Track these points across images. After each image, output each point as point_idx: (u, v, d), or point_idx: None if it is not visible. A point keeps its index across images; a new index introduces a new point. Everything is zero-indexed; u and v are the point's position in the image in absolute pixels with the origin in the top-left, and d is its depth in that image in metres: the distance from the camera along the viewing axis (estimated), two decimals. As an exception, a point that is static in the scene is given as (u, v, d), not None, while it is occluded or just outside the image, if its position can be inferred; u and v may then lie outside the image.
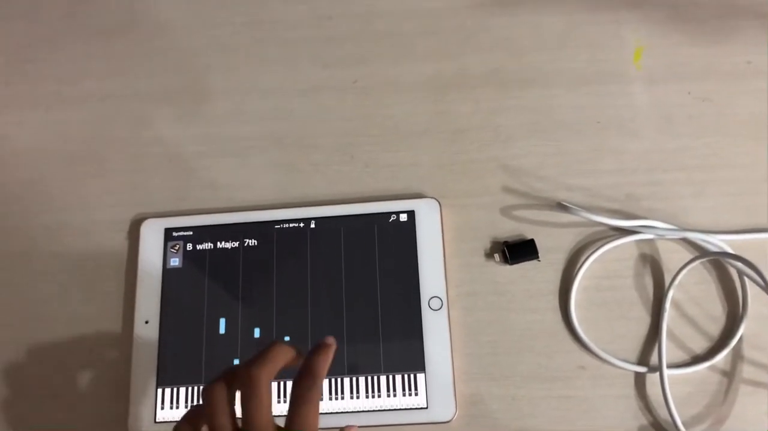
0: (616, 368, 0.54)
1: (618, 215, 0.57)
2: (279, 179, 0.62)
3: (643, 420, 0.53)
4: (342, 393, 0.55)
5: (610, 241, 0.56)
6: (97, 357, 0.57)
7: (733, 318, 0.54)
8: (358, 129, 0.63)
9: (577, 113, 0.61)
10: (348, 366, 0.55)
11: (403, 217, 0.59)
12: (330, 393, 0.55)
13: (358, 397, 0.55)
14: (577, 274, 0.56)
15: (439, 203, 0.59)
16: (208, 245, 0.60)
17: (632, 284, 0.56)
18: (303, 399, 0.40)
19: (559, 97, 0.61)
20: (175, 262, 0.60)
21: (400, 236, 0.59)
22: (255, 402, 0.39)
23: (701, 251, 0.56)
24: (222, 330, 0.57)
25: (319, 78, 0.64)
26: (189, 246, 0.60)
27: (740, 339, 0.54)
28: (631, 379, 0.54)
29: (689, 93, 0.61)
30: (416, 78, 0.64)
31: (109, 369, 0.57)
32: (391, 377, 0.55)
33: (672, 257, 0.56)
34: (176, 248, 0.60)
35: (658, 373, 0.52)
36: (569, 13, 0.64)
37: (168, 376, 0.56)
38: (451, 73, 0.63)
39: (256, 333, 0.57)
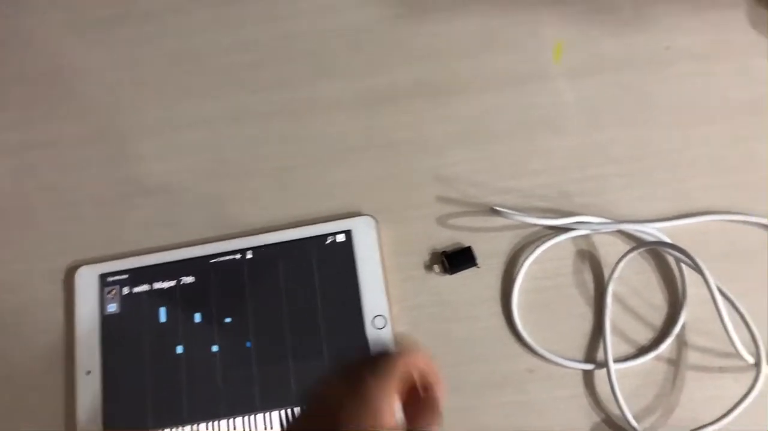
0: (564, 368, 0.54)
1: (553, 214, 0.57)
2: (212, 211, 0.61)
3: (596, 418, 0.53)
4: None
5: (547, 240, 0.56)
6: (40, 413, 0.56)
7: (675, 306, 0.54)
8: (290, 152, 0.62)
9: (505, 116, 0.61)
10: (296, 394, 0.54)
11: (341, 237, 0.58)
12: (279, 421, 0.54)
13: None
14: (516, 277, 0.56)
15: (375, 219, 0.58)
16: (144, 287, 0.59)
17: (572, 282, 0.56)
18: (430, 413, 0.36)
19: (485, 102, 0.61)
20: (112, 308, 0.58)
21: (338, 257, 0.58)
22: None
23: (637, 242, 0.56)
24: (166, 373, 0.56)
25: (246, 104, 0.64)
26: (125, 290, 0.59)
27: (683, 326, 0.54)
28: (580, 377, 0.54)
29: (613, 84, 0.61)
30: (344, 95, 0.63)
31: (54, 424, 0.55)
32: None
33: (609, 250, 0.56)
34: (112, 293, 0.59)
35: (605, 369, 0.52)
36: (486, 16, 0.64)
37: (114, 426, 0.55)
38: (378, 88, 0.63)
39: (200, 373, 0.56)
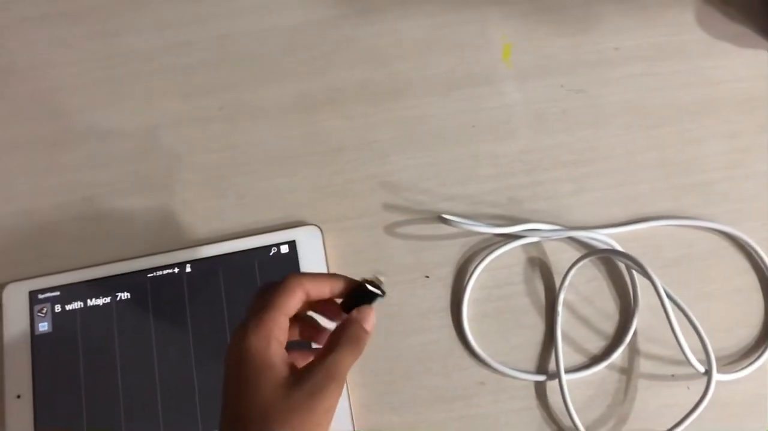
0: (516, 379, 0.52)
1: (502, 221, 0.56)
2: (148, 223, 0.58)
3: (548, 430, 0.51)
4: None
5: (496, 248, 0.55)
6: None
7: (626, 313, 0.53)
8: (228, 159, 0.59)
9: (451, 120, 0.59)
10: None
11: (284, 248, 0.56)
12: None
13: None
14: (466, 287, 0.54)
15: (320, 229, 0.56)
16: (78, 305, 0.56)
17: (523, 291, 0.54)
18: (348, 343, 0.38)
19: (431, 105, 0.59)
20: (44, 327, 0.55)
21: (283, 269, 0.56)
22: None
23: (588, 249, 0.55)
24: (101, 395, 0.53)
25: (180, 109, 0.61)
26: (57, 308, 0.56)
27: (635, 334, 0.53)
28: (532, 389, 0.52)
29: (562, 86, 0.60)
30: (284, 99, 0.61)
31: (-20, 455, 0.52)
32: None
33: (560, 257, 0.55)
34: (44, 311, 0.56)
35: (557, 380, 0.51)
36: (431, 15, 0.62)
37: (45, 454, 0.52)
38: (318, 91, 0.61)
39: (138, 394, 0.53)
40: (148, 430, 0.53)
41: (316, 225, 0.56)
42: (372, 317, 0.40)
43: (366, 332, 0.40)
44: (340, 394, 0.37)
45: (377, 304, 0.41)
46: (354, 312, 0.40)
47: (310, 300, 0.40)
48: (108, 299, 0.55)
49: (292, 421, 0.35)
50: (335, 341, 0.38)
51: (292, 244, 0.56)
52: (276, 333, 0.37)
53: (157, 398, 0.53)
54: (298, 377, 0.36)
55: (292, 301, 0.39)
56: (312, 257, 0.55)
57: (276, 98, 0.60)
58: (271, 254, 0.56)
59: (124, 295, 0.56)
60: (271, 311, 0.38)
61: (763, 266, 0.53)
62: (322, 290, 0.40)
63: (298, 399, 0.35)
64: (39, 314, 0.55)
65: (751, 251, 0.54)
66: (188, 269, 0.56)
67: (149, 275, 0.56)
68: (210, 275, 0.56)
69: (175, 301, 0.55)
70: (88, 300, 0.56)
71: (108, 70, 0.62)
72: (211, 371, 0.53)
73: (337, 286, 0.40)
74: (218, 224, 0.57)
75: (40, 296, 0.56)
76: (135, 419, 0.53)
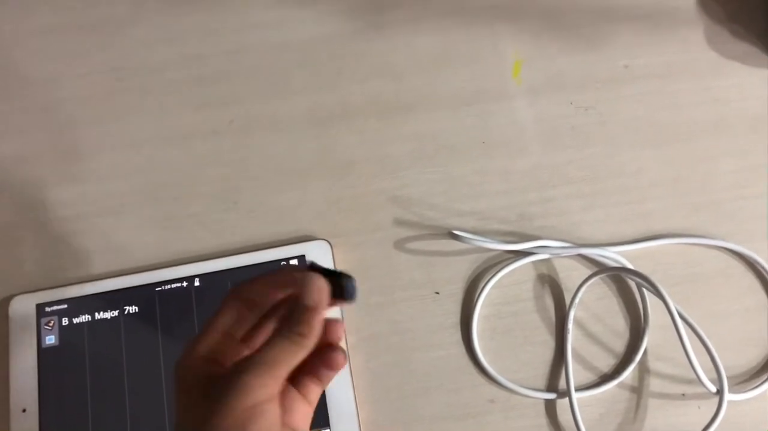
0: (526, 397, 0.52)
1: (512, 237, 0.56)
2: (158, 236, 0.57)
3: (558, 449, 0.51)
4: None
5: (507, 265, 0.55)
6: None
7: (637, 331, 0.53)
8: (239, 173, 0.59)
9: (462, 135, 0.59)
10: None
11: (294, 263, 0.56)
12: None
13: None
14: (476, 303, 0.54)
15: (330, 243, 0.56)
16: (85, 318, 0.55)
17: (533, 308, 0.54)
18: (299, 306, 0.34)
19: (442, 121, 0.59)
20: (50, 340, 0.55)
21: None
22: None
23: (598, 267, 0.55)
24: (108, 410, 0.53)
25: (191, 122, 0.61)
26: (65, 321, 0.55)
27: (645, 352, 0.53)
28: (542, 407, 0.52)
29: (571, 103, 0.60)
30: (295, 113, 0.61)
31: (-15, 470, 0.51)
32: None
33: (570, 275, 0.55)
34: (51, 324, 0.55)
35: (567, 398, 0.51)
36: (444, 31, 0.62)
37: (51, 469, 0.51)
38: (331, 105, 0.61)
39: (146, 408, 0.53)
40: (155, 445, 0.52)
41: (325, 240, 0.56)
42: (314, 284, 0.35)
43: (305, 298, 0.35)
44: (261, 384, 0.33)
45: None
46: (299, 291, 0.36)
47: (267, 303, 0.38)
48: (116, 313, 0.55)
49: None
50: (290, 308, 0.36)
51: (301, 258, 0.56)
52: (200, 351, 0.36)
53: (164, 413, 0.52)
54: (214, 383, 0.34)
55: (223, 318, 0.37)
56: (322, 272, 0.55)
57: (287, 112, 0.60)
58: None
59: (132, 308, 0.55)
60: (201, 334, 0.36)
61: (773, 285, 0.53)
62: (264, 292, 0.38)
63: (210, 406, 0.33)
64: (46, 327, 0.55)
65: (761, 269, 0.54)
66: (197, 282, 0.56)
67: (157, 289, 0.55)
68: (219, 289, 0.55)
69: (184, 315, 0.55)
70: (96, 314, 0.55)
71: (120, 82, 0.62)
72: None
73: (283, 282, 0.38)
74: (228, 238, 0.57)
75: (48, 309, 0.55)
76: (142, 434, 0.52)
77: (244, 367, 0.33)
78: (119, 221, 0.58)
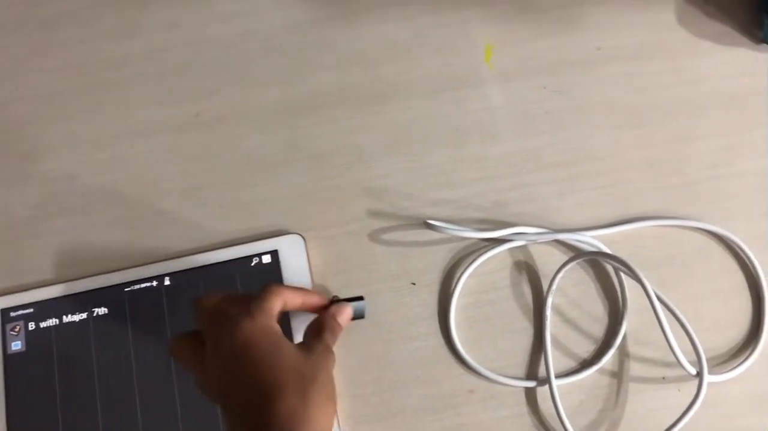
0: (506, 386, 0.52)
1: (488, 225, 0.55)
2: (125, 235, 0.56)
3: (539, 437, 0.51)
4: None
5: (483, 253, 0.54)
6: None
7: (615, 316, 0.53)
8: (207, 168, 0.58)
9: (435, 123, 0.58)
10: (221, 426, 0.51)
11: (266, 258, 0.55)
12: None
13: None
14: (453, 293, 0.53)
15: (303, 237, 0.55)
16: (53, 322, 0.54)
17: (511, 295, 0.54)
18: (327, 329, 0.46)
19: (414, 109, 0.58)
20: (17, 346, 0.53)
21: (265, 279, 0.54)
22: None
23: (575, 252, 0.54)
24: (80, 416, 0.51)
25: (157, 117, 0.59)
26: (31, 326, 0.54)
27: (624, 337, 0.52)
28: (522, 396, 0.52)
29: (545, 87, 0.59)
30: (264, 104, 0.59)
31: (-48, 482, 0.50)
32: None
33: (547, 261, 0.54)
34: (16, 329, 0.54)
35: (547, 385, 0.50)
36: (412, 18, 0.61)
37: (21, 479, 0.50)
38: (301, 95, 0.59)
39: (117, 411, 0.51)
40: (129, 449, 0.51)
41: (299, 234, 0.55)
42: (347, 313, 0.49)
43: (339, 325, 0.47)
44: (334, 360, 0.44)
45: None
46: (333, 307, 0.48)
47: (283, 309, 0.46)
48: (84, 315, 0.54)
49: (318, 376, 0.41)
50: (317, 329, 0.46)
51: (274, 254, 0.54)
52: (275, 316, 0.44)
53: (137, 415, 0.51)
54: (304, 346, 0.43)
55: (277, 303, 0.45)
56: (295, 267, 0.54)
57: (256, 104, 0.59)
58: (252, 264, 0.54)
59: (101, 310, 0.54)
60: (266, 302, 0.44)
61: (750, 265, 0.53)
62: (295, 303, 0.47)
63: (316, 359, 0.42)
64: (11, 332, 0.54)
65: (739, 250, 0.54)
66: (167, 281, 0.54)
67: (126, 290, 0.54)
68: (190, 288, 0.54)
69: (154, 315, 0.54)
70: (64, 317, 0.54)
71: (82, 77, 0.60)
72: (191, 386, 0.52)
73: (310, 302, 0.48)
74: (198, 235, 0.56)
75: (13, 314, 0.54)
76: (115, 438, 0.51)
77: (327, 346, 0.45)
78: (85, 220, 0.56)
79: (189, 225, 0.56)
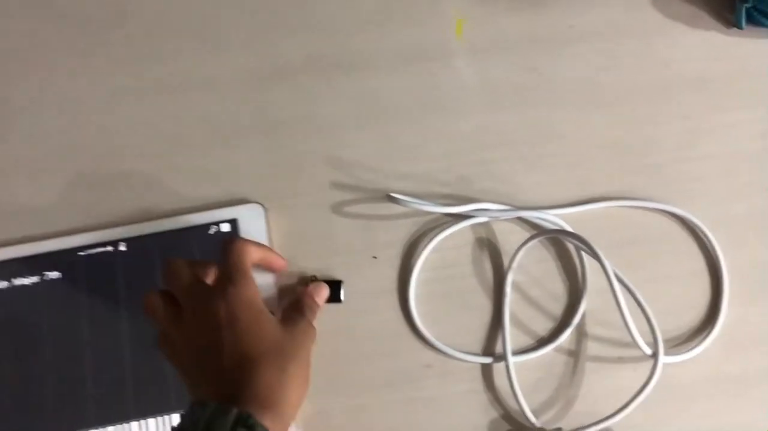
0: (463, 362, 0.51)
1: (452, 200, 0.54)
2: (81, 198, 0.55)
3: (494, 413, 0.51)
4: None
5: (446, 228, 0.53)
6: None
7: (575, 295, 0.53)
8: (168, 133, 0.56)
9: (402, 95, 0.57)
10: (175, 401, 0.50)
11: (225, 227, 0.54)
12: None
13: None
14: (414, 267, 0.53)
15: (263, 207, 0.54)
16: (2, 284, 0.52)
17: (472, 271, 0.53)
18: (306, 308, 0.47)
19: (382, 80, 0.57)
20: (-36, 309, 0.52)
21: (223, 248, 0.53)
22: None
23: (538, 230, 0.54)
24: (30, 382, 0.50)
25: (119, 81, 0.58)
26: (-20, 288, 0.52)
27: (583, 316, 0.52)
28: (479, 372, 0.51)
29: (515, 63, 0.58)
30: (227, 71, 0.58)
31: None
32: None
33: (509, 238, 0.54)
34: (-35, 292, 0.52)
35: (504, 362, 0.50)
36: (384, -13, 0.59)
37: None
38: (267, 62, 0.58)
39: (68, 379, 0.50)
40: (78, 417, 0.50)
41: (259, 203, 0.54)
42: (324, 292, 0.50)
43: (317, 304, 0.49)
44: (315, 334, 0.46)
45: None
46: (311, 286, 0.50)
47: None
48: (36, 279, 0.53)
49: (299, 353, 0.42)
50: (297, 306, 0.47)
51: (233, 222, 0.54)
52: (253, 278, 0.44)
53: (87, 383, 0.50)
54: (285, 320, 0.44)
55: (249, 262, 0.45)
56: (254, 237, 0.53)
57: (219, 69, 0.58)
58: (211, 232, 0.53)
59: (54, 274, 0.53)
60: (247, 272, 0.44)
61: (711, 249, 0.53)
62: (256, 257, 0.47)
63: (296, 335, 0.43)
64: (-40, 294, 0.52)
65: (701, 233, 0.53)
66: (122, 247, 0.53)
67: (80, 254, 0.53)
68: (146, 255, 0.53)
69: (109, 281, 0.53)
70: (14, 280, 0.53)
71: (41, 39, 0.58)
72: (145, 355, 0.51)
73: (269, 259, 0.50)
74: (156, 201, 0.54)
75: (-38, 276, 0.52)
76: (65, 406, 0.50)
77: (308, 322, 0.47)
78: (41, 183, 0.55)
79: (147, 191, 0.55)
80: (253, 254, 0.46)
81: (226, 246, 0.45)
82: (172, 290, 0.44)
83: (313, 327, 0.45)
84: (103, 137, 0.56)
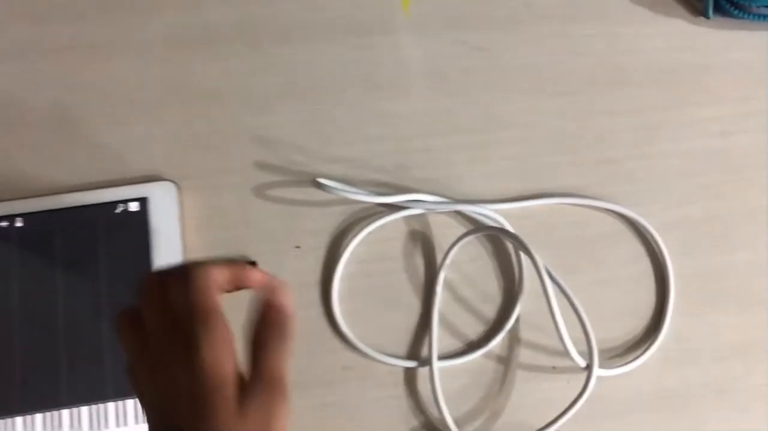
0: (385, 365, 0.47)
1: (386, 189, 0.50)
2: (-24, 167, 0.49)
3: (414, 422, 0.47)
4: (107, 420, 0.45)
5: (376, 220, 0.49)
6: None
7: (510, 297, 0.49)
8: (77, 98, 0.51)
9: (340, 70, 0.52)
10: (77, 394, 0.45)
11: (134, 206, 0.49)
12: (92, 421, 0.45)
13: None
14: (340, 260, 0.48)
15: (177, 185, 0.49)
16: None
17: (402, 267, 0.49)
18: (276, 337, 0.34)
19: (318, 53, 0.53)
20: None
21: (130, 229, 0.49)
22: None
23: (476, 225, 0.50)
24: None
25: (27, 37, 0.52)
26: None
27: (517, 320, 0.48)
28: (401, 376, 0.47)
29: (465, 43, 0.54)
30: (148, 35, 0.53)
31: None
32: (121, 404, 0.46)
33: (445, 233, 0.50)
34: None
35: (429, 367, 0.46)
36: (325, -49, 0.54)
37: None
38: (190, 27, 0.53)
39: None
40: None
41: (172, 181, 0.49)
42: (288, 295, 0.36)
43: (288, 317, 0.35)
44: (287, 403, 0.33)
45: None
46: (270, 298, 0.35)
47: None
48: None
49: None
50: (262, 338, 0.34)
51: (143, 201, 0.49)
52: (231, 342, 0.33)
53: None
54: (245, 396, 0.32)
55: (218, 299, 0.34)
56: (165, 218, 0.48)
57: (139, 33, 0.53)
58: (117, 211, 0.49)
59: (-60, 250, 0.47)
60: (211, 316, 0.33)
61: (659, 254, 0.50)
62: (224, 281, 0.36)
63: (257, 419, 0.32)
64: None
65: (648, 236, 0.50)
66: (19, 223, 0.48)
67: (-29, 228, 0.48)
68: (45, 232, 0.48)
69: (2, 259, 0.47)
70: None
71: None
72: (34, 343, 0.46)
73: (241, 278, 0.36)
74: (60, 174, 0.49)
75: None
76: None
77: (272, 390, 0.34)
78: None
79: (51, 163, 0.50)
80: (218, 279, 0.35)
81: (179, 280, 0.34)
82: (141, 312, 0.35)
83: (282, 394, 0.34)
84: (5, 98, 0.51)
